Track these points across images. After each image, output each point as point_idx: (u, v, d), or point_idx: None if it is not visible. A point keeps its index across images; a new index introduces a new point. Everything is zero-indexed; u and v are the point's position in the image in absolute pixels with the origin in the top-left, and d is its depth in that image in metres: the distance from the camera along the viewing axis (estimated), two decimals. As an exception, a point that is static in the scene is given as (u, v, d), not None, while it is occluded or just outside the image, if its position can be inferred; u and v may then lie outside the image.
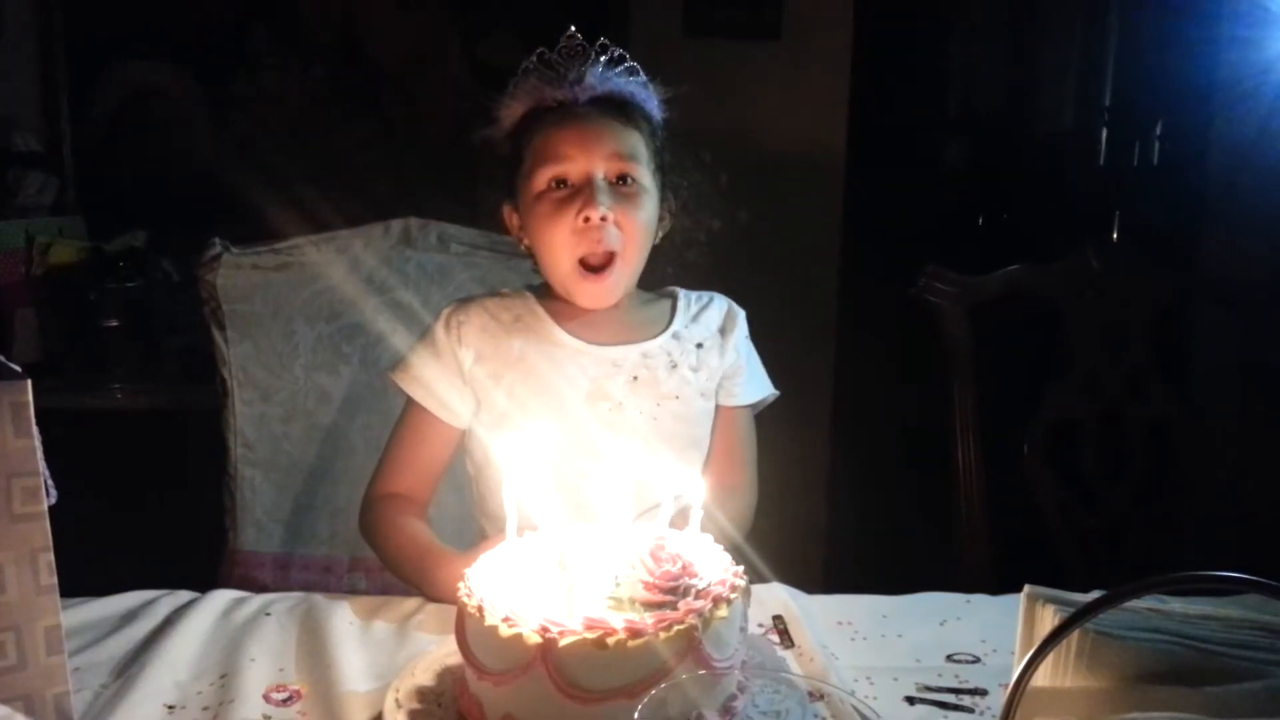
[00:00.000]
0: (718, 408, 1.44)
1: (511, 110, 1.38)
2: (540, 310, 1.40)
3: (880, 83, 2.66)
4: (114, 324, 2.30)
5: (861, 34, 2.51)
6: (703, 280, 1.54)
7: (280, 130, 2.59)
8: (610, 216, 1.30)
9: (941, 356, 1.61)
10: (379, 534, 1.35)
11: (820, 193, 2.61)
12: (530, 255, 1.41)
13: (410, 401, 1.39)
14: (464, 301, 1.42)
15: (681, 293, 1.47)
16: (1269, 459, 1.63)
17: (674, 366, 1.39)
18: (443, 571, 1.20)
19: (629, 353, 1.38)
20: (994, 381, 1.61)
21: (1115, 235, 2.95)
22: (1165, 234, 2.64)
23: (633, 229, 1.33)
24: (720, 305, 1.48)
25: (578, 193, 1.31)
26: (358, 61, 2.62)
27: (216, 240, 1.67)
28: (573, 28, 1.35)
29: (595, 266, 1.33)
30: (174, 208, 2.44)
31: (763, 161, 2.44)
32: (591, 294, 1.35)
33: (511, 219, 1.41)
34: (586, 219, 1.29)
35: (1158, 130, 2.95)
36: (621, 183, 1.33)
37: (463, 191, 1.82)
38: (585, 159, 1.31)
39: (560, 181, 1.32)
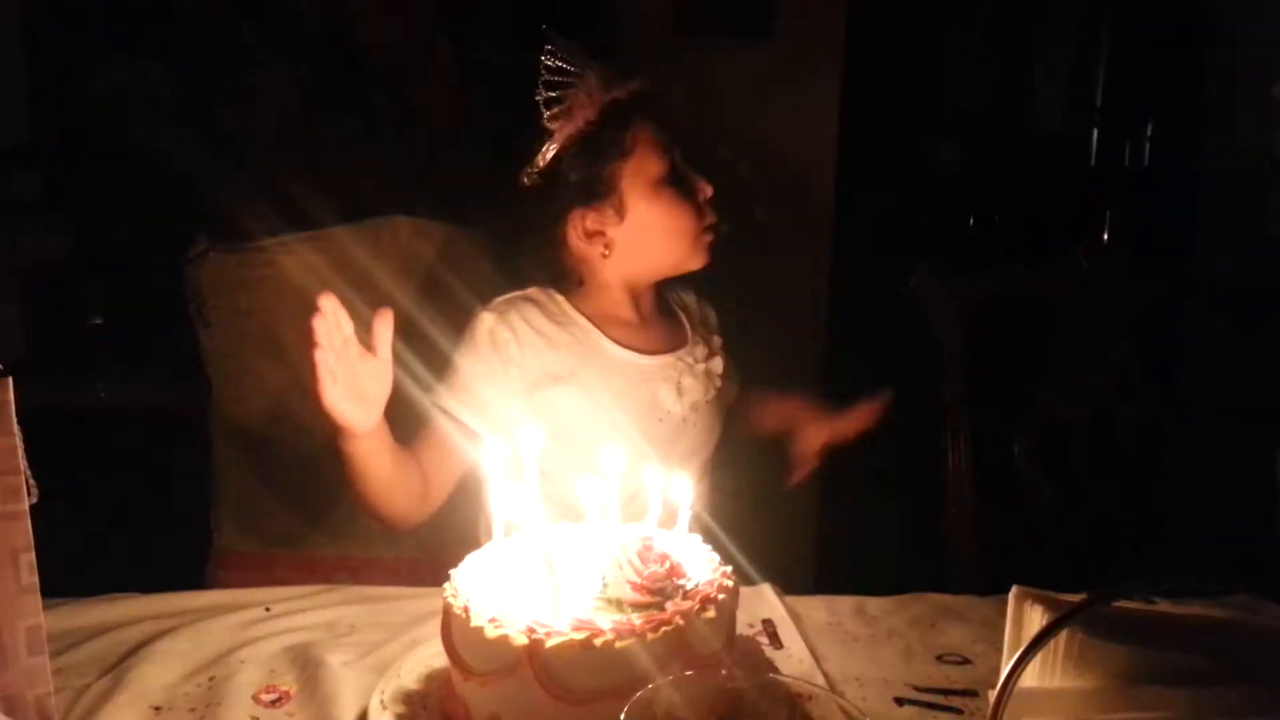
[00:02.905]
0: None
1: (587, 107, 1.34)
2: (581, 318, 1.39)
3: (871, 83, 2.66)
4: (98, 321, 2.28)
5: (853, 33, 2.50)
6: (695, 279, 1.54)
7: (267, 127, 2.57)
8: None
9: (931, 356, 1.61)
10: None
11: (811, 192, 2.60)
12: (580, 261, 1.38)
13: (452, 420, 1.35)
14: (503, 313, 1.38)
15: (665, 291, 1.48)
16: (1256, 461, 1.63)
17: (707, 374, 1.43)
18: None
19: (674, 360, 1.41)
20: (984, 381, 1.61)
21: (1105, 236, 2.96)
22: (1155, 235, 2.65)
23: None
24: (699, 305, 1.52)
25: (686, 174, 1.38)
26: (347, 59, 2.61)
27: (202, 238, 1.66)
28: (548, 41, 1.34)
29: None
30: (160, 205, 2.43)
31: (753, 161, 2.44)
32: (706, 253, 1.41)
33: (584, 224, 1.37)
34: (706, 197, 1.38)
35: (1148, 131, 2.96)
36: None
37: (451, 191, 1.81)
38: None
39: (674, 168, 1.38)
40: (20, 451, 0.87)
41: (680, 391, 1.39)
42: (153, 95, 2.56)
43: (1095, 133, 3.18)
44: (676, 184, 1.36)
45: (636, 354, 1.38)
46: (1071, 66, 3.32)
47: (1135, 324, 1.64)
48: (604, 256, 1.37)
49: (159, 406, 2.16)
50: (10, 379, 0.86)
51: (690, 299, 1.52)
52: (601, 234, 1.36)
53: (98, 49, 2.59)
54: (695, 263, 1.41)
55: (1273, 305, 1.65)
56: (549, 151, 1.34)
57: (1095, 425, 1.62)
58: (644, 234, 1.36)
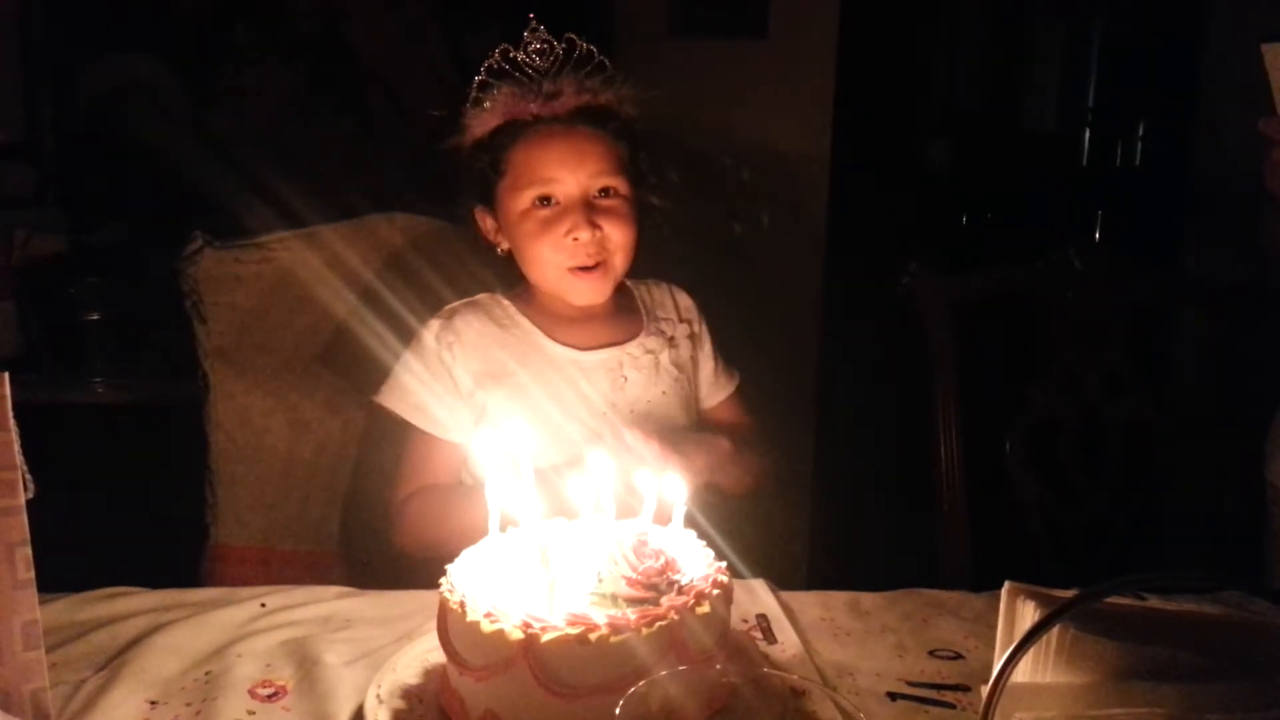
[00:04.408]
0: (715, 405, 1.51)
1: (483, 121, 1.37)
2: (524, 321, 1.41)
3: (865, 83, 2.67)
4: (94, 317, 2.28)
5: (847, 33, 2.51)
6: (689, 278, 1.54)
7: (263, 125, 2.57)
8: (599, 233, 1.33)
9: (924, 355, 1.62)
10: (418, 520, 1.36)
11: (805, 192, 2.61)
12: (506, 257, 1.42)
13: (409, 424, 1.38)
14: (449, 318, 1.42)
15: (630, 285, 1.49)
16: (1246, 459, 1.64)
17: (656, 365, 1.42)
18: None
19: (616, 355, 1.40)
20: (976, 380, 1.61)
21: (1097, 235, 2.97)
22: (1147, 234, 2.66)
23: (619, 238, 1.36)
24: (669, 295, 1.51)
25: (565, 212, 1.33)
26: (341, 57, 2.61)
27: (198, 234, 1.66)
28: (532, 18, 1.34)
29: (586, 266, 1.36)
30: (155, 201, 2.42)
31: (747, 160, 2.44)
32: (584, 291, 1.37)
33: (485, 222, 1.43)
34: (576, 239, 1.32)
35: (1140, 131, 2.98)
36: (604, 195, 1.36)
37: (444, 189, 1.82)
38: (571, 179, 1.34)
39: (544, 199, 1.34)
40: (16, 446, 0.87)
41: (624, 385, 1.39)
42: (148, 92, 2.56)
43: (1087, 133, 3.19)
44: (546, 218, 1.34)
45: (576, 350, 1.39)
46: (1063, 67, 3.34)
47: (1126, 323, 1.64)
48: (502, 253, 1.41)
49: (155, 402, 2.16)
50: (6, 374, 0.86)
51: (660, 291, 1.52)
52: (499, 231, 1.40)
53: (93, 46, 2.58)
54: (574, 297, 1.38)
55: (1263, 305, 1.66)
56: (456, 140, 1.39)
57: (1086, 424, 1.63)
58: (519, 251, 1.39)
